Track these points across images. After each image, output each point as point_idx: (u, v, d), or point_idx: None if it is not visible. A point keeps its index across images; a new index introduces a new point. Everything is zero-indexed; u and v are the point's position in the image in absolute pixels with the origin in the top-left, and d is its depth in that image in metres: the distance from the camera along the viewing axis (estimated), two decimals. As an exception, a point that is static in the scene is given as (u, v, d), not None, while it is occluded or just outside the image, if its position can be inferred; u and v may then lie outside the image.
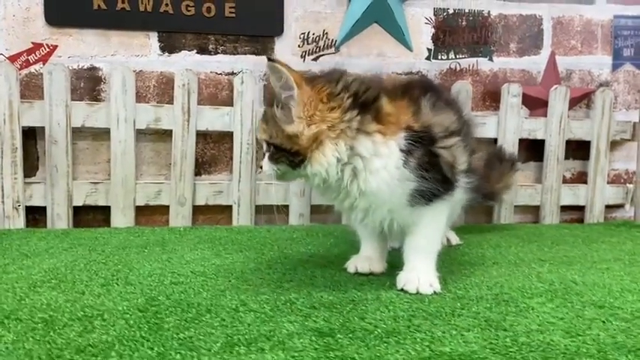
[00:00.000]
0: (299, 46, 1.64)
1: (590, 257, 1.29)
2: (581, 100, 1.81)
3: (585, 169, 1.84)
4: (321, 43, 1.64)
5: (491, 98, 1.76)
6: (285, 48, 1.63)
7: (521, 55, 1.77)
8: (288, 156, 0.95)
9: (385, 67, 1.69)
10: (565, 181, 1.81)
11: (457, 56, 1.73)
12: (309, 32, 1.64)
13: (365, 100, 0.94)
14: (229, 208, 1.60)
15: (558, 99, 1.73)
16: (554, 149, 1.74)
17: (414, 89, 1.03)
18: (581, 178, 1.84)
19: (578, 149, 1.81)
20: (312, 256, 1.24)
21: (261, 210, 1.62)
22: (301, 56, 1.64)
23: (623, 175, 1.88)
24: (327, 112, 0.93)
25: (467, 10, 1.72)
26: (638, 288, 1.04)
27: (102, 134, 1.55)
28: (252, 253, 1.26)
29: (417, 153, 0.94)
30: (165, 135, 1.58)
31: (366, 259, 1.12)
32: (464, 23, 1.72)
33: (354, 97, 0.94)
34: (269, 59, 0.94)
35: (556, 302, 0.95)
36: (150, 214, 1.60)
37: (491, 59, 1.75)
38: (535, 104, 1.75)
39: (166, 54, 1.58)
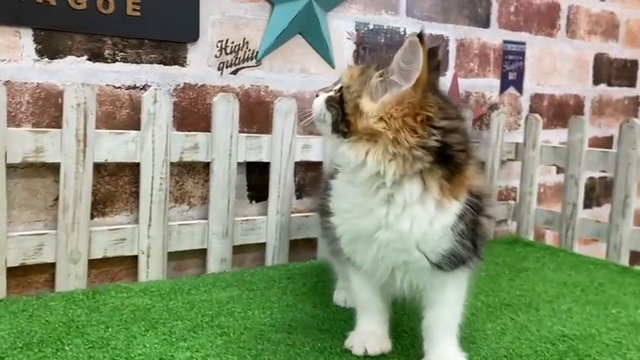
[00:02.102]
0: (216, 56, 1.35)
1: (539, 295, 1.30)
2: (476, 122, 1.85)
3: (476, 187, 1.90)
4: (241, 54, 1.38)
5: (403, 119, 1.70)
6: (201, 58, 1.33)
7: (430, 76, 1.73)
8: (340, 117, 0.84)
9: (308, 85, 1.50)
10: (462, 200, 1.84)
11: (376, 75, 1.61)
12: (227, 40, 1.36)
13: (452, 159, 0.82)
14: (130, 258, 1.27)
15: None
16: (460, 172, 1.75)
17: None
18: (474, 197, 1.89)
19: (471, 169, 1.85)
20: (288, 330, 1.02)
21: (172, 258, 1.32)
22: (219, 68, 1.36)
23: (504, 192, 1.99)
24: (408, 129, 0.79)
25: (385, 27, 1.61)
26: (623, 339, 1.06)
27: (-52, 170, 1.08)
28: (210, 333, 1.00)
29: (467, 218, 0.85)
30: (44, 168, 1.17)
31: (374, 336, 0.96)
32: (382, 40, 1.61)
33: (442, 146, 0.81)
34: (419, 36, 0.79)
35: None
36: (22, 274, 1.18)
37: (405, 79, 1.67)
38: (440, 125, 1.74)
39: (45, 59, 1.16)
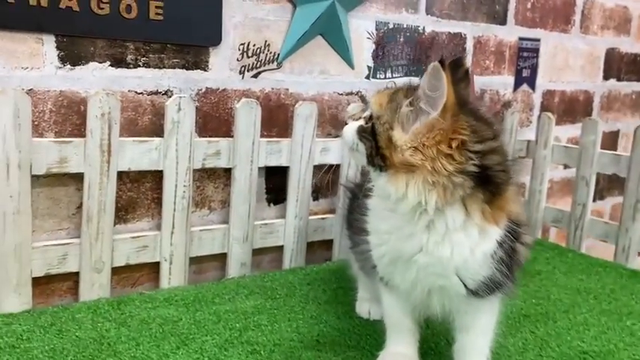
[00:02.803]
0: (238, 59, 1.33)
1: (554, 304, 1.32)
2: (490, 120, 1.85)
3: (486, 184, 1.91)
4: (262, 57, 1.36)
5: (419, 119, 1.69)
6: (223, 62, 1.31)
7: (446, 75, 1.72)
8: (374, 149, 0.83)
9: (328, 86, 1.48)
10: (473, 198, 1.85)
11: (393, 75, 1.60)
12: (249, 43, 1.33)
13: (493, 180, 0.81)
14: (151, 263, 1.27)
15: (480, 122, 1.73)
16: (473, 171, 1.76)
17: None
18: (484, 194, 1.90)
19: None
20: (317, 347, 1.03)
21: (192, 262, 1.32)
22: (240, 72, 1.34)
23: (513, 188, 2.00)
24: (444, 156, 0.78)
25: (405, 26, 1.59)
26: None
27: (-28, 181, 1.06)
28: (240, 351, 1.00)
29: (506, 245, 0.85)
30: (67, 177, 1.16)
31: (404, 358, 0.97)
32: (401, 39, 1.59)
33: (481, 169, 0.79)
34: (441, 62, 0.76)
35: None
36: (46, 282, 1.18)
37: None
38: (454, 124, 1.73)
39: (68, 66, 1.13)
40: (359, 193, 1.09)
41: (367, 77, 1.55)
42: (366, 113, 0.87)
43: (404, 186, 0.80)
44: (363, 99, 1.55)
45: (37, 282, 1.14)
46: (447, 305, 0.91)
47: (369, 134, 0.83)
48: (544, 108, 2.00)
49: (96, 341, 1.00)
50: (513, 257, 0.88)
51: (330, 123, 1.51)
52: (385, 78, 1.58)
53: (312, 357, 1.00)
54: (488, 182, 0.80)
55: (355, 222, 1.03)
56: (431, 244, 0.83)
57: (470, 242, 0.82)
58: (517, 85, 1.91)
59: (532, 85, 1.95)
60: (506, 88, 1.89)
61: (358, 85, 1.54)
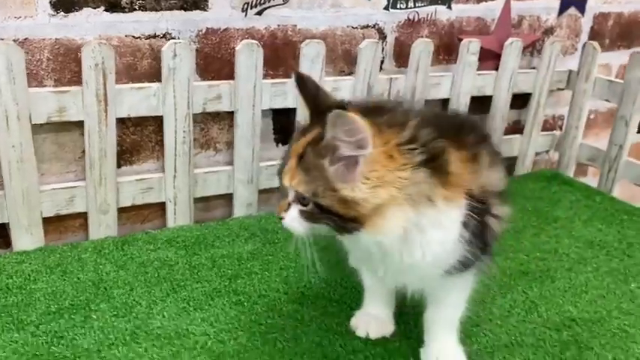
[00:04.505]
0: (240, -4, 1.27)
1: (560, 259, 1.29)
2: (527, 49, 1.70)
3: (519, 117, 1.80)
4: (267, -7, 1.29)
5: (445, 52, 1.58)
6: (223, 0, 1.26)
7: (479, 1, 1.58)
8: (338, 220, 0.75)
9: (339, 21, 1.40)
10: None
11: (416, 4, 1.49)
12: (252, -22, 1.27)
13: (432, 154, 0.75)
14: (158, 202, 1.32)
15: (512, 54, 1.61)
16: (502, 106, 1.66)
17: (470, 134, 0.84)
18: (515, 127, 1.81)
19: (514, 99, 1.74)
20: (299, 301, 1.07)
21: (199, 201, 1.36)
22: (243, 10, 1.28)
23: (550, 120, 1.89)
24: (396, 170, 0.73)
25: (430, -52, 1.44)
26: (631, 327, 1.05)
27: (-21, 129, 1.12)
28: (226, 301, 1.06)
29: (472, 224, 0.79)
30: (70, 123, 1.19)
31: (377, 321, 1.00)
32: (425, -36, 1.46)
33: (425, 150, 0.74)
34: (341, 107, 0.71)
35: None
36: (59, 220, 1.26)
37: (449, 7, 1.53)
38: (485, 56, 1.61)
39: (61, 13, 1.12)
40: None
41: (386, 8, 1.45)
42: (290, 198, 0.78)
43: (385, 223, 0.74)
44: (380, 32, 1.46)
45: (49, 220, 1.22)
46: (420, 284, 0.90)
47: (322, 213, 0.75)
48: (594, 33, 1.82)
49: (94, 285, 1.08)
50: (484, 233, 0.83)
51: (344, 59, 1.44)
52: (407, 8, 1.47)
53: (292, 312, 1.05)
54: (432, 159, 0.75)
55: None
56: (406, 256, 0.79)
57: (438, 236, 0.78)
58: (563, 8, 1.73)
59: (581, 8, 1.76)
60: (550, 13, 1.72)
61: (375, 17, 1.44)
